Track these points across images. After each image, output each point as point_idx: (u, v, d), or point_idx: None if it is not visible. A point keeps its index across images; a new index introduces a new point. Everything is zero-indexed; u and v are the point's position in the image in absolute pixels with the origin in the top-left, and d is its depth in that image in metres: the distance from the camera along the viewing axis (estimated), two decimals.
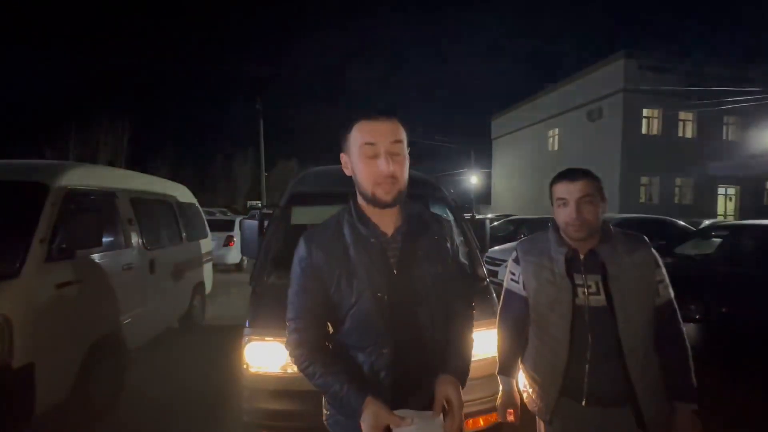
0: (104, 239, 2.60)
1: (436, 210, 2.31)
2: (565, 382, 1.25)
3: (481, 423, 1.75)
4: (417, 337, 0.95)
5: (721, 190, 17.88)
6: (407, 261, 0.95)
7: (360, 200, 0.97)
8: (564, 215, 1.26)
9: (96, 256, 2.58)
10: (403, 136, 0.93)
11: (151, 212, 3.60)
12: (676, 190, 17.40)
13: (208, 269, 5.08)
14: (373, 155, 0.89)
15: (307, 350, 0.94)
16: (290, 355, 0.97)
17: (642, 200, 16.83)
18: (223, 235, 9.09)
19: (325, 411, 1.07)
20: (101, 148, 28.99)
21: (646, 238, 1.33)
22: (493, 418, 1.74)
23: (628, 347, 1.20)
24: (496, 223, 10.96)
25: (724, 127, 17.60)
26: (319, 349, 0.95)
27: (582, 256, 1.28)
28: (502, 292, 1.46)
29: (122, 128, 30.30)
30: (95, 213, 2.57)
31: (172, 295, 3.88)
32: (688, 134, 17.33)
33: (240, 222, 2.38)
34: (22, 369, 1.91)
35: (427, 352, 0.96)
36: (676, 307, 1.29)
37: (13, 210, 2.22)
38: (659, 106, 16.52)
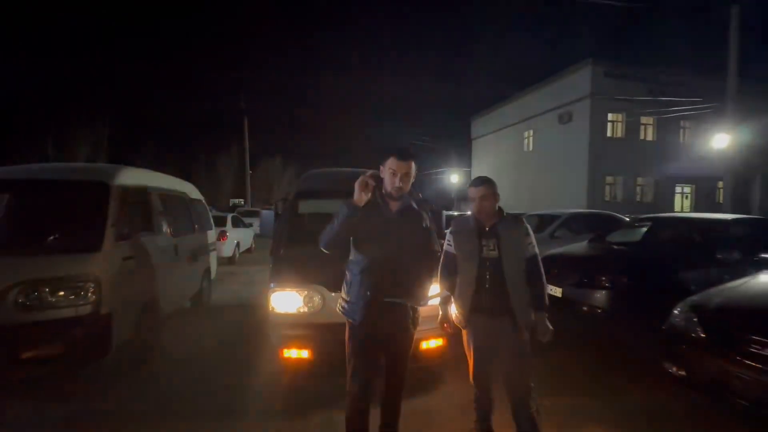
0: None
1: None
2: (473, 303, 2.11)
3: (432, 341, 2.62)
4: (394, 267, 1.85)
5: (678, 189, 19.43)
6: (399, 226, 1.86)
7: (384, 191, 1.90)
8: (473, 206, 2.12)
9: (143, 239, 3.31)
10: (413, 168, 1.86)
11: (173, 206, 4.32)
12: (638, 189, 18.81)
13: (213, 257, 5.79)
14: (393, 174, 1.83)
15: None
16: (322, 245, 1.88)
17: (607, 198, 18.15)
18: (217, 230, 9.71)
19: (340, 302, 1.93)
20: (81, 145, 28.63)
21: (523, 218, 2.21)
22: (440, 338, 2.61)
23: (509, 281, 2.06)
24: None
25: (681, 131, 19.10)
26: None
27: (487, 229, 2.14)
28: (442, 254, 2.30)
29: (102, 124, 29.97)
30: (141, 205, 3.30)
31: (189, 275, 4.61)
32: (649, 137, 18.74)
33: (261, 212, 3.24)
34: (106, 316, 2.66)
35: (399, 273, 1.87)
36: (539, 259, 2.16)
37: (88, 204, 2.94)
38: (623, 111, 17.82)
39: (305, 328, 2.54)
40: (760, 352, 2.08)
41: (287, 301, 2.60)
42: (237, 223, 11.37)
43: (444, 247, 2.29)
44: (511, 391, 2.13)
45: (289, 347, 2.53)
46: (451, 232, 2.25)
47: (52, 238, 2.78)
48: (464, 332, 2.24)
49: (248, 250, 12.35)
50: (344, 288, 1.94)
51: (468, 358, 2.27)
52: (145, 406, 2.66)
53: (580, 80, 17.87)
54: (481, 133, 26.99)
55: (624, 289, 3.93)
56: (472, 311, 2.12)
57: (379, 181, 1.87)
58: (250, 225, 12.87)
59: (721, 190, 19.32)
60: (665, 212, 16.25)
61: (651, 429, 2.46)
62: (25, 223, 2.94)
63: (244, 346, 3.81)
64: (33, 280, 2.42)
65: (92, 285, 2.55)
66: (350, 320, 1.89)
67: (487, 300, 2.08)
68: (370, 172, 1.80)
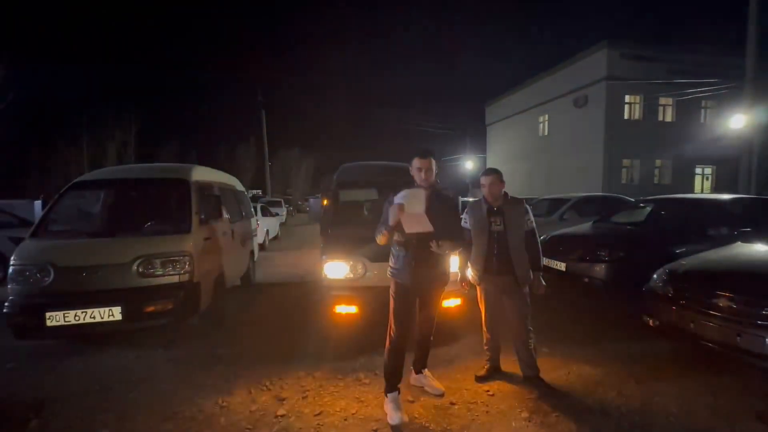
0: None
1: None
2: (485, 266, 2.76)
3: (453, 300, 3.30)
4: (428, 246, 2.37)
5: (698, 170, 19.24)
6: (432, 211, 2.29)
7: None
8: (484, 191, 2.76)
9: (215, 224, 4.07)
10: (433, 163, 2.41)
11: (227, 197, 5.09)
12: (656, 171, 18.76)
13: (256, 242, 6.60)
14: (419, 170, 2.41)
15: None
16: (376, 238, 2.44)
17: (624, 181, 18.15)
18: None
19: (388, 271, 2.55)
20: (110, 143, 30.24)
21: (523, 200, 2.82)
22: (459, 298, 3.29)
23: (512, 249, 2.70)
24: None
25: (702, 111, 18.79)
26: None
27: (495, 208, 2.77)
28: None
29: (130, 122, 31.43)
30: (211, 197, 4.06)
31: (241, 256, 5.41)
32: (668, 118, 18.50)
33: (309, 200, 4.02)
34: (197, 283, 3.44)
35: (433, 253, 2.40)
36: (536, 231, 2.78)
37: (176, 196, 3.71)
38: (640, 93, 17.68)
39: (351, 290, 3.26)
40: (710, 302, 2.66)
41: (337, 269, 3.32)
42: (265, 212, 12.25)
43: (461, 224, 2.93)
44: (514, 332, 2.79)
45: (339, 304, 3.26)
46: (467, 212, 2.90)
47: (150, 223, 3.57)
48: (478, 289, 2.91)
49: (275, 238, 13.27)
50: (391, 260, 2.50)
51: (481, 309, 2.94)
52: (228, 351, 3.45)
53: (595, 63, 17.79)
54: (495, 118, 27.06)
55: (620, 262, 4.50)
56: (484, 272, 2.78)
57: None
58: (277, 214, 13.76)
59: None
60: (684, 194, 16.29)
61: (626, 367, 3.08)
62: (132, 212, 3.77)
63: (294, 312, 4.58)
64: (149, 254, 3.22)
65: (188, 259, 3.33)
66: (398, 280, 2.44)
67: (495, 264, 2.73)
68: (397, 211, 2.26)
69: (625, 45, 17.30)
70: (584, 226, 5.77)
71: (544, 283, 2.77)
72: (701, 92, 15.96)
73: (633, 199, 7.80)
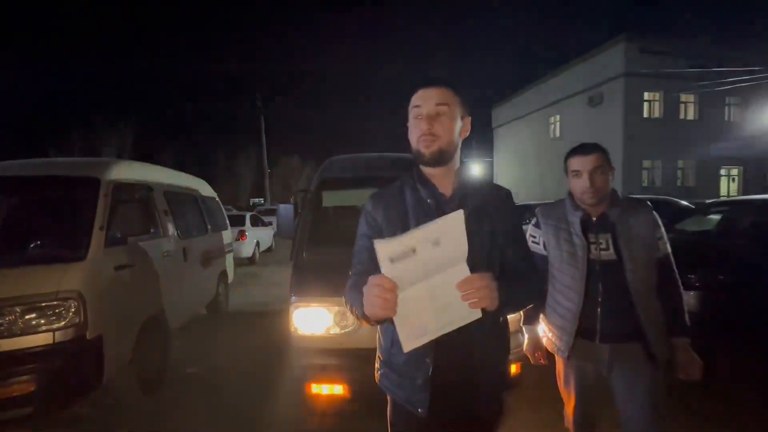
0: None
1: None
2: (579, 324, 1.47)
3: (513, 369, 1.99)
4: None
5: (723, 171, 17.94)
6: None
7: (420, 165, 1.08)
8: (579, 184, 1.47)
9: (142, 244, 2.81)
10: (451, 99, 1.02)
11: (181, 204, 3.83)
12: (679, 172, 17.46)
13: (230, 259, 5.32)
14: (418, 116, 1.02)
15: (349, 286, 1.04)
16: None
17: (645, 184, 16.93)
18: (236, 229, 9.33)
19: (377, 368, 1.17)
20: (105, 148, 29.18)
21: (649, 203, 1.54)
22: (514, 364, 1.98)
23: (636, 293, 1.42)
24: None
25: (726, 108, 17.57)
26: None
27: (594, 219, 1.49)
28: None
29: (125, 127, 30.47)
30: (139, 204, 2.80)
31: (202, 281, 4.13)
32: (690, 116, 17.33)
33: (277, 206, 2.59)
34: (94, 340, 2.15)
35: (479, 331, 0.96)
36: (673, 260, 1.50)
37: (73, 202, 2.45)
38: (660, 89, 16.52)
39: (338, 356, 1.95)
40: None
41: (314, 319, 2.01)
42: (256, 222, 11.00)
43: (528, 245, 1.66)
44: None
45: (318, 381, 1.94)
46: (538, 224, 1.62)
47: (33, 245, 2.30)
48: (559, 362, 1.61)
49: (268, 250, 12.00)
50: (380, 342, 1.14)
51: (564, 398, 1.64)
52: None
53: (612, 59, 16.60)
54: (503, 120, 25.86)
55: (721, 290, 3.20)
56: (578, 335, 1.49)
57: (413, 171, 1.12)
58: (270, 224, 12.51)
59: None
60: (710, 197, 14.98)
61: None
62: (9, 227, 2.45)
63: (266, 364, 3.27)
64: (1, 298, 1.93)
65: (74, 303, 2.05)
66: (406, 406, 1.06)
67: (602, 320, 1.44)
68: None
69: (644, 39, 16.11)
70: None
71: (697, 358, 1.47)
72: (727, 86, 14.70)
73: (686, 202, 6.51)
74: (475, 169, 26.38)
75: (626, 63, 16.04)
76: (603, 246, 1.46)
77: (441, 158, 1.03)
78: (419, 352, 0.95)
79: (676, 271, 1.50)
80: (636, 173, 16.77)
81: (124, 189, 2.75)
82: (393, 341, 1.05)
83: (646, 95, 16.72)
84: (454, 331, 0.87)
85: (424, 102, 1.02)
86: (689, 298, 3.35)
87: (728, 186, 18.10)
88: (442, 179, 1.07)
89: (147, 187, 3.17)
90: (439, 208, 1.04)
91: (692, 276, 3.33)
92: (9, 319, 1.91)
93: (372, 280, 0.83)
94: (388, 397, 1.13)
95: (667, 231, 4.60)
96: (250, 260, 9.75)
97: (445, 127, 1.01)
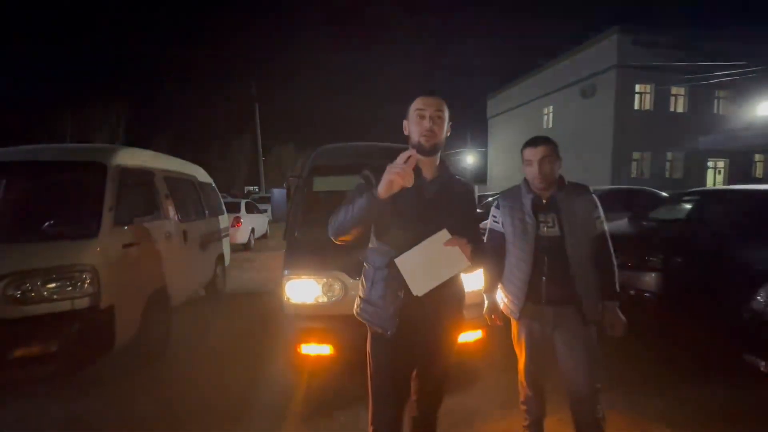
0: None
1: None
2: (529, 291, 1.74)
3: (471, 334, 2.28)
4: None
5: (710, 164, 18.33)
6: (438, 198, 1.39)
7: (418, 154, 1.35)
8: (530, 172, 1.73)
9: (147, 225, 3.03)
10: (444, 108, 1.36)
11: (180, 189, 4.03)
12: (667, 164, 17.82)
13: (226, 243, 5.55)
14: (422, 117, 1.34)
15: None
16: (330, 233, 1.36)
17: (634, 175, 17.25)
18: (231, 216, 9.53)
19: (357, 305, 1.49)
20: (97, 134, 28.87)
21: (589, 187, 1.80)
22: (479, 330, 2.27)
23: (574, 263, 1.69)
24: (490, 199, 11.49)
25: (715, 101, 17.87)
26: None
27: (544, 201, 1.75)
28: (486, 232, 1.93)
29: (118, 113, 30.16)
30: (143, 188, 3.01)
31: (201, 262, 4.36)
32: (680, 109, 17.60)
33: (272, 191, 2.84)
34: (107, 309, 2.40)
35: None
36: (608, 236, 1.77)
37: (84, 185, 2.66)
38: (652, 82, 16.75)
39: (325, 321, 2.22)
40: None
41: (304, 289, 2.28)
42: (251, 209, 11.19)
43: (489, 225, 1.91)
44: (574, 394, 1.77)
45: (307, 342, 2.22)
46: (499, 207, 1.88)
47: (47, 224, 2.51)
48: (514, 324, 1.89)
49: (264, 236, 12.22)
50: (363, 284, 1.45)
51: (518, 354, 1.92)
52: (151, 408, 2.42)
53: (605, 50, 16.77)
54: (497, 111, 26.00)
55: (679, 270, 3.50)
56: (526, 301, 1.76)
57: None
58: (265, 211, 12.70)
59: (759, 164, 18.28)
60: (696, 188, 15.31)
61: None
62: (15, 208, 2.67)
63: (261, 338, 3.55)
64: (23, 271, 2.16)
65: (89, 275, 2.28)
66: (377, 329, 1.40)
67: (546, 288, 1.71)
68: (405, 156, 1.20)
69: (637, 30, 16.26)
70: (620, 224, 4.76)
71: (623, 318, 1.75)
72: (717, 80, 14.97)
73: (665, 193, 6.82)
74: (471, 159, 26.61)
75: (619, 55, 16.22)
76: (550, 224, 1.72)
77: (434, 150, 1.37)
78: (394, 291, 1.34)
79: (611, 245, 1.77)
80: (625, 164, 17.09)
81: (128, 173, 2.96)
82: (373, 282, 1.41)
83: (637, 87, 16.95)
84: None
85: (427, 107, 1.35)
86: (650, 278, 3.68)
87: (714, 178, 18.52)
88: (428, 166, 1.41)
89: (149, 172, 3.37)
90: (421, 185, 1.37)
91: (653, 258, 3.64)
92: (32, 288, 2.14)
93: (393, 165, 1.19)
94: (368, 335, 1.44)
95: (642, 219, 4.91)
96: (246, 246, 9.98)
97: (441, 129, 1.37)
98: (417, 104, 1.36)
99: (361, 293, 1.47)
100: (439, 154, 1.42)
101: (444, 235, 1.27)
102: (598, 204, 1.77)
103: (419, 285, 1.26)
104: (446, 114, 1.38)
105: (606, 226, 1.78)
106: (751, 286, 2.49)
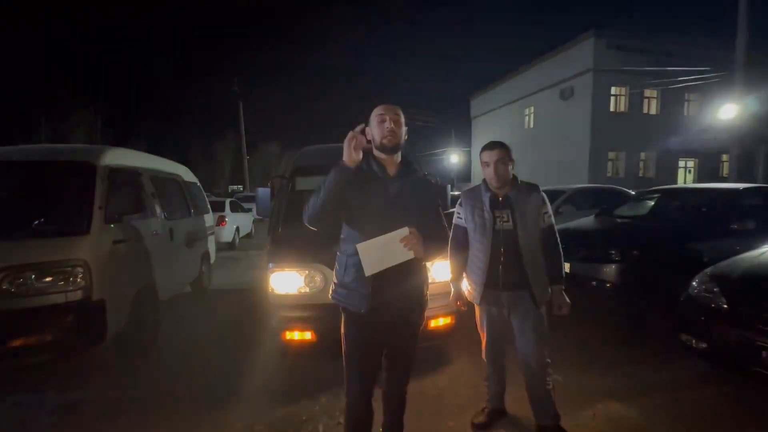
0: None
1: None
2: (487, 278, 1.98)
3: (441, 320, 2.51)
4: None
5: (681, 163, 19.18)
6: (400, 193, 1.56)
7: (375, 152, 1.58)
8: (487, 173, 1.97)
9: (135, 223, 3.15)
10: (401, 114, 1.58)
11: (166, 188, 4.15)
12: (641, 164, 18.57)
13: (211, 241, 5.66)
14: (382, 121, 1.54)
15: None
16: (305, 219, 1.56)
17: (609, 174, 17.89)
18: (215, 215, 9.55)
19: (332, 289, 1.66)
20: (74, 133, 28.02)
21: (538, 186, 2.05)
22: (448, 316, 2.50)
23: (525, 253, 1.93)
24: None
25: (685, 104, 18.70)
26: None
27: (500, 198, 1.99)
28: (452, 228, 2.15)
29: (95, 112, 29.35)
30: (130, 187, 3.14)
31: (187, 259, 4.48)
32: (653, 111, 18.33)
33: (256, 190, 3.02)
34: (98, 302, 2.53)
35: (405, 262, 1.50)
36: (555, 229, 2.02)
37: (74, 184, 2.77)
38: (626, 85, 17.41)
39: (307, 309, 2.42)
40: None
41: (287, 281, 2.47)
42: (235, 208, 11.21)
43: (454, 220, 2.14)
44: (528, 368, 2.02)
45: (291, 329, 2.41)
46: (461, 204, 2.10)
47: (37, 222, 2.62)
48: (477, 308, 2.13)
49: (248, 235, 12.25)
50: (337, 270, 1.63)
51: (481, 335, 2.16)
52: (143, 394, 2.57)
53: (582, 53, 17.35)
54: (480, 111, 26.48)
55: (634, 263, 3.83)
56: (486, 286, 1.99)
57: (369, 150, 1.57)
58: (249, 210, 12.72)
59: (725, 164, 19.24)
60: (658, 186, 16.07)
61: (667, 402, 2.38)
62: (9, 207, 2.77)
63: (246, 330, 3.71)
64: (18, 265, 2.29)
65: (81, 269, 2.42)
66: (347, 307, 1.59)
67: (502, 275, 1.95)
68: (359, 127, 1.49)
69: (612, 34, 16.90)
70: (586, 221, 5.10)
71: (568, 300, 2.01)
72: (687, 83, 15.70)
73: (632, 191, 7.24)
74: (455, 158, 26.98)
75: (595, 58, 16.81)
76: (504, 219, 1.96)
77: (395, 149, 1.57)
78: (364, 275, 1.49)
79: (557, 237, 2.02)
80: (602, 164, 17.73)
81: (117, 173, 3.07)
82: (346, 268, 1.58)
83: (612, 90, 17.57)
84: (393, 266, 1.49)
85: (386, 112, 1.56)
86: (610, 270, 4.00)
87: (684, 177, 19.39)
88: (391, 164, 1.60)
89: (136, 172, 3.49)
90: (385, 181, 1.56)
91: (612, 251, 3.96)
92: (29, 282, 2.27)
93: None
94: (342, 316, 1.63)
95: (607, 215, 5.26)
96: (230, 245, 10.02)
97: (400, 131, 1.58)
98: (378, 111, 1.58)
99: (335, 279, 1.65)
100: (399, 153, 1.61)
101: (403, 231, 1.46)
102: (547, 201, 2.02)
103: (369, 267, 1.47)
104: (402, 119, 1.59)
105: (553, 220, 2.03)
106: (691, 274, 2.79)
